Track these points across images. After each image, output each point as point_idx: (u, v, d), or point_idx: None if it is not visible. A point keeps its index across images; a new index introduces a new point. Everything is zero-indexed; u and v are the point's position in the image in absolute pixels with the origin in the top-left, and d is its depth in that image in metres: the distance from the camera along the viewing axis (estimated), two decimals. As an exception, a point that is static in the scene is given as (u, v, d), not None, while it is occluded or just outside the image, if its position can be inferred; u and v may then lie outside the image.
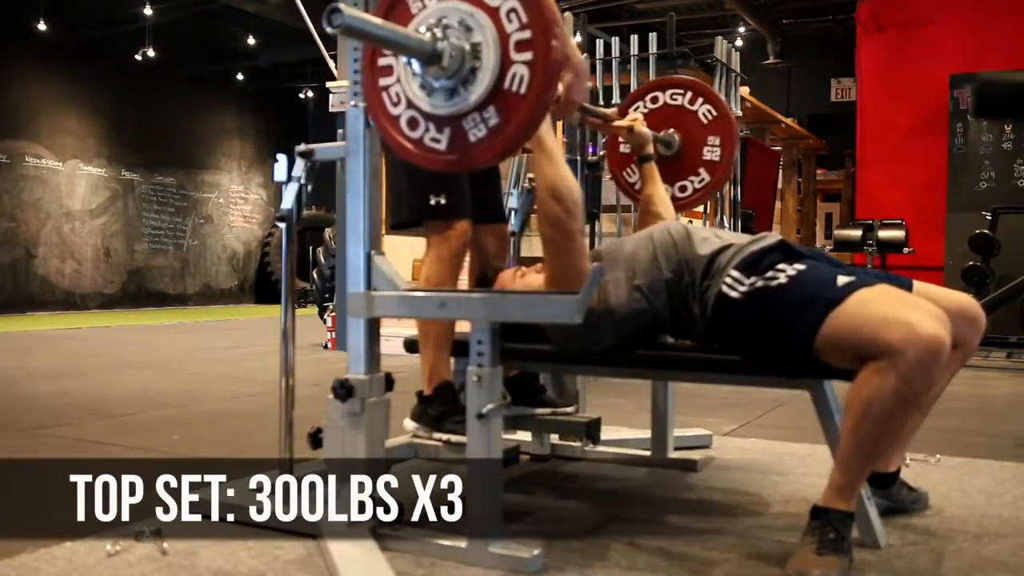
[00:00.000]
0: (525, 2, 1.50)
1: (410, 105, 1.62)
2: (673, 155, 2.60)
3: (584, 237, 1.94)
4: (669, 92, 2.62)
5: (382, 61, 1.67)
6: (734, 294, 1.76)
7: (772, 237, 1.86)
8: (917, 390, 1.55)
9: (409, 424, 2.29)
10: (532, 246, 3.18)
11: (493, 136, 1.53)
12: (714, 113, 2.56)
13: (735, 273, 1.78)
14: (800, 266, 1.73)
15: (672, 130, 2.59)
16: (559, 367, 2.34)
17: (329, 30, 1.41)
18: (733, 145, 2.55)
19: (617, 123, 2.46)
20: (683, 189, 2.59)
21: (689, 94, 2.59)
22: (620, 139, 2.63)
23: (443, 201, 2.23)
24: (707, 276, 1.83)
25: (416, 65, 1.57)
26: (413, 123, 1.63)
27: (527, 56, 1.49)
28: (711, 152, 2.55)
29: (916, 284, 1.86)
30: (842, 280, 1.65)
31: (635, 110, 2.63)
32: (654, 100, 2.63)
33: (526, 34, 1.49)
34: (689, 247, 1.88)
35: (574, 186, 1.84)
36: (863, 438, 1.58)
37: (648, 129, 2.48)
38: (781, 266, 1.74)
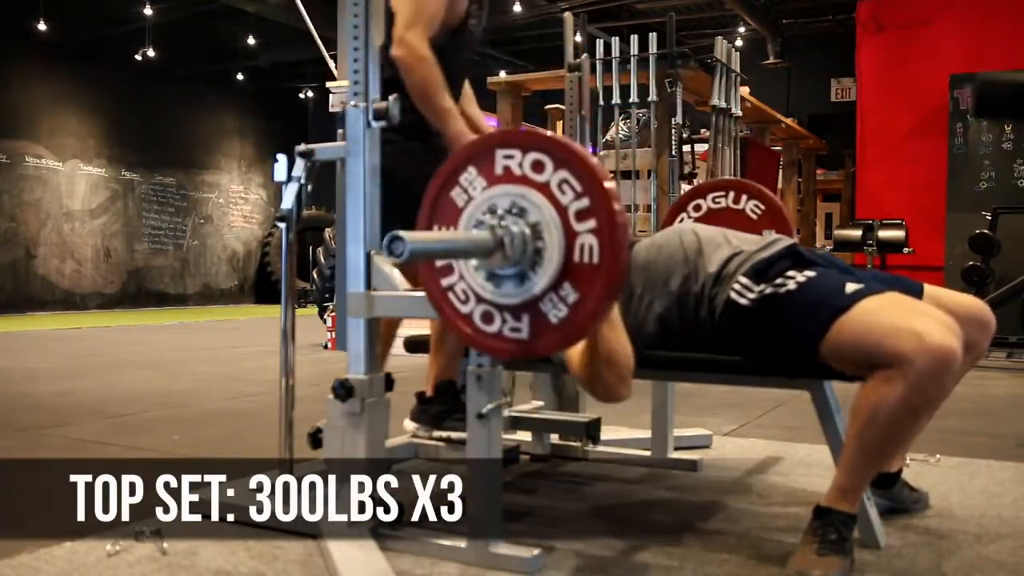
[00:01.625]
0: (576, 171, 1.47)
1: (480, 300, 1.57)
2: None
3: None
4: (710, 197, 2.50)
5: (439, 262, 1.62)
6: (743, 301, 1.74)
7: (783, 242, 1.85)
8: (927, 399, 1.54)
9: (409, 424, 2.29)
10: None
11: (575, 312, 1.48)
12: (762, 207, 2.44)
13: (744, 280, 1.76)
14: (810, 272, 1.72)
15: None
16: (558, 367, 2.34)
17: (394, 261, 1.39)
18: (790, 235, 2.35)
19: None
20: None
21: (732, 193, 2.48)
22: None
23: None
24: (716, 283, 1.82)
25: (476, 260, 1.53)
26: (488, 317, 1.57)
27: (591, 224, 1.45)
28: None
29: (927, 288, 1.85)
30: (851, 287, 1.64)
31: (679, 222, 2.51)
32: (696, 208, 2.51)
33: (584, 203, 1.46)
34: (700, 260, 1.85)
35: (630, 355, 1.73)
36: (869, 443, 1.57)
37: None
38: (791, 273, 1.73)
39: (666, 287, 1.86)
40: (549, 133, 1.54)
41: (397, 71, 2.11)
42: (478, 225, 1.52)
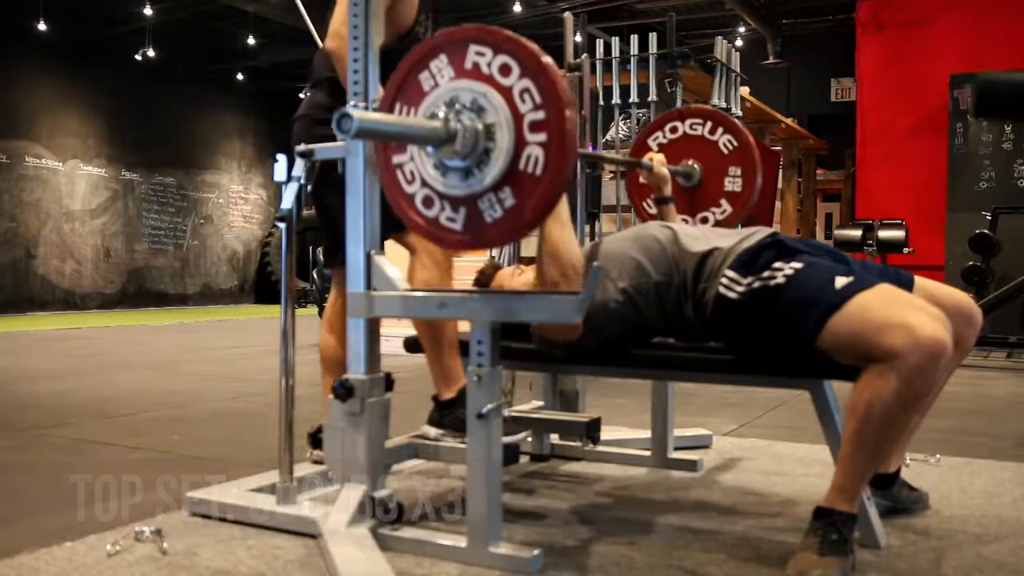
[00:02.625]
0: (539, 82, 1.48)
1: (424, 184, 1.61)
2: (693, 186, 2.55)
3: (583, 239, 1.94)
4: (688, 122, 2.56)
5: None
6: (732, 295, 1.76)
7: (762, 232, 1.86)
8: (918, 392, 1.55)
9: (431, 431, 2.28)
10: (531, 246, 3.18)
11: (509, 217, 1.52)
12: (735, 143, 2.50)
13: (731, 273, 1.77)
14: (797, 264, 1.73)
15: (692, 161, 2.55)
16: (558, 367, 2.34)
17: (341, 136, 1.40)
18: (755, 176, 2.49)
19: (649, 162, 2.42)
20: (704, 220, 2.55)
21: (709, 124, 2.54)
22: (641, 176, 2.60)
23: None
24: (700, 278, 1.83)
25: (429, 147, 1.56)
26: (428, 202, 1.62)
27: (541, 137, 1.48)
28: (732, 183, 2.51)
29: (916, 280, 1.86)
30: (840, 282, 1.65)
31: (653, 140, 2.58)
32: (673, 130, 2.58)
33: (540, 115, 1.48)
34: (678, 249, 1.87)
35: (576, 254, 1.80)
36: (865, 440, 1.58)
37: (667, 170, 2.44)
38: (778, 264, 1.74)
39: (642, 274, 1.88)
40: (524, 40, 1.54)
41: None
42: (434, 116, 1.54)
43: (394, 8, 2.24)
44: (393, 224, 2.25)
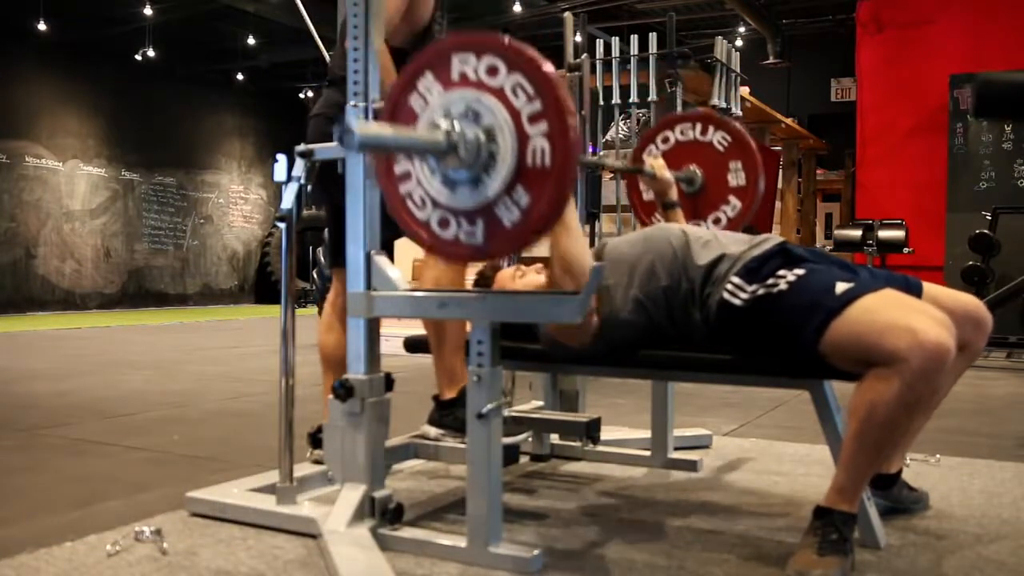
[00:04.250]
0: (528, 74, 1.48)
1: (436, 205, 1.59)
2: (698, 190, 2.55)
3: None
4: (679, 128, 2.56)
5: (398, 169, 1.64)
6: (736, 301, 1.75)
7: (772, 240, 1.86)
8: (921, 396, 1.54)
9: (432, 430, 2.28)
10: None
11: (528, 216, 1.49)
12: (729, 139, 2.50)
13: (736, 280, 1.77)
14: (800, 271, 1.73)
15: (692, 166, 2.55)
16: (558, 367, 2.34)
17: (344, 151, 1.39)
18: (757, 165, 2.48)
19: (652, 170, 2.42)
20: (717, 221, 2.54)
21: (699, 126, 2.53)
22: (642, 186, 2.60)
23: None
24: (707, 283, 1.83)
25: (433, 161, 1.55)
26: (444, 223, 1.59)
27: (543, 127, 1.46)
28: (735, 178, 2.50)
29: (925, 286, 1.86)
30: (841, 287, 1.65)
31: (649, 155, 2.57)
32: (665, 140, 2.57)
33: (536, 105, 1.47)
34: (688, 255, 1.87)
35: (586, 262, 1.78)
36: (866, 442, 1.58)
37: (669, 173, 2.43)
38: (782, 272, 1.74)
39: (653, 279, 1.87)
40: (504, 37, 1.54)
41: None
42: (433, 129, 1.53)
43: (411, 7, 2.24)
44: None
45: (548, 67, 1.48)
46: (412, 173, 1.62)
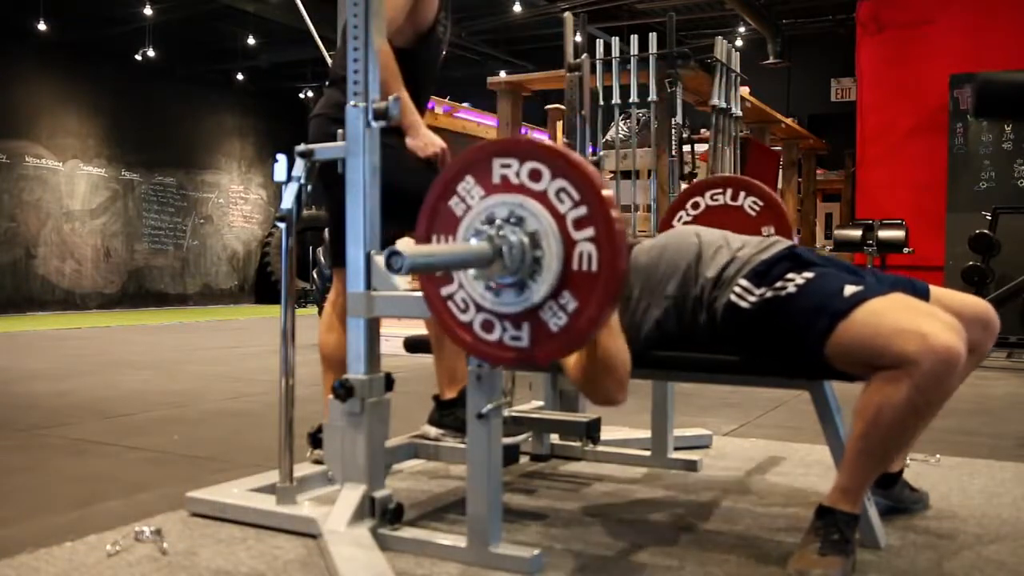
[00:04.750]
0: (573, 179, 1.47)
1: (480, 308, 1.57)
2: None
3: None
4: (708, 194, 2.50)
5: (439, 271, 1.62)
6: (744, 304, 1.75)
7: (781, 244, 1.85)
8: (930, 400, 1.54)
9: (432, 430, 2.28)
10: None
11: (575, 320, 1.48)
12: (760, 204, 2.44)
13: (744, 283, 1.77)
14: (809, 274, 1.72)
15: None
16: (557, 367, 2.34)
17: (394, 277, 1.38)
18: (789, 231, 2.41)
19: None
20: None
21: (729, 190, 2.47)
22: None
23: None
24: (715, 287, 1.82)
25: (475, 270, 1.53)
26: (488, 326, 1.57)
27: (589, 232, 1.45)
28: None
29: (932, 289, 1.85)
30: (849, 290, 1.64)
31: (678, 221, 2.52)
32: (695, 206, 2.51)
33: (582, 211, 1.46)
34: (700, 265, 1.85)
35: (628, 360, 1.75)
36: (872, 444, 1.57)
37: None
38: (790, 275, 1.73)
39: (663, 291, 1.86)
40: (547, 142, 1.53)
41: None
42: (476, 235, 1.51)
43: (415, 8, 2.24)
44: (409, 221, 2.26)
45: (592, 171, 1.48)
46: (454, 276, 1.59)
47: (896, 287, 1.72)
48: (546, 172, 1.50)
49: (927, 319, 1.55)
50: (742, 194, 2.46)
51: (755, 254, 1.82)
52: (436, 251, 1.53)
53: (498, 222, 1.51)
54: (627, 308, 1.87)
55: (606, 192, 1.45)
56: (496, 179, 1.55)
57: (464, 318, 1.59)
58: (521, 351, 1.54)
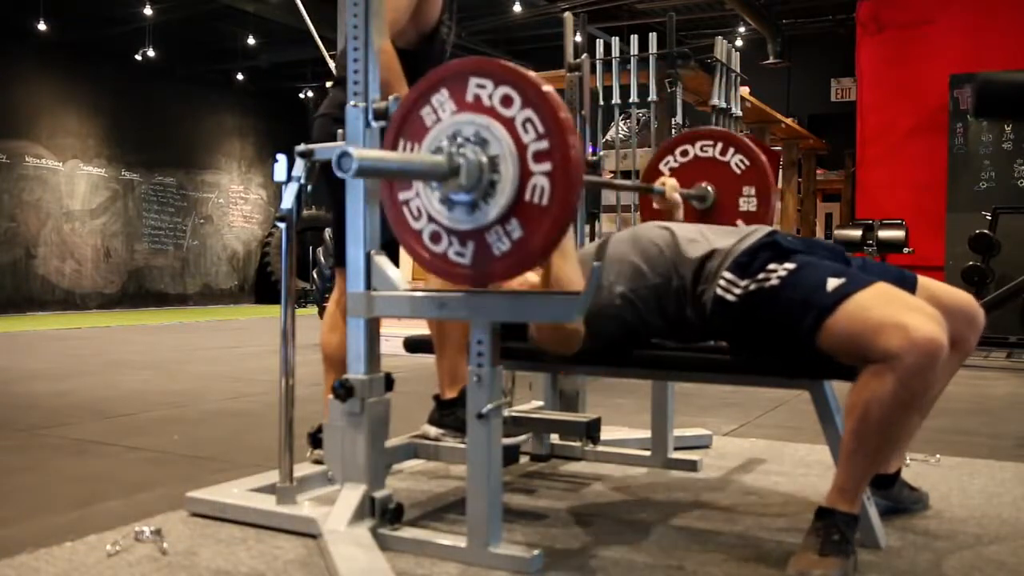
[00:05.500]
0: (541, 111, 1.48)
1: (431, 219, 1.61)
2: (708, 208, 2.54)
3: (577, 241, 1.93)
4: (699, 144, 2.54)
5: None
6: (729, 297, 1.76)
7: (760, 231, 1.86)
8: (915, 393, 1.55)
9: (432, 430, 2.28)
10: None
11: (517, 249, 1.51)
12: (747, 163, 2.49)
13: (729, 276, 1.78)
14: (790, 264, 1.72)
15: (705, 183, 2.54)
16: (558, 367, 2.34)
17: (340, 174, 1.39)
18: (770, 195, 2.47)
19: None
20: None
21: (720, 144, 2.52)
22: (653, 199, 2.60)
23: None
24: (699, 280, 1.83)
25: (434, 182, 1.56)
26: (436, 237, 1.61)
27: (546, 167, 1.47)
28: (747, 203, 2.50)
29: (920, 280, 1.86)
30: (832, 284, 1.64)
31: (664, 165, 2.57)
32: (684, 153, 2.56)
33: (544, 144, 1.47)
34: (676, 252, 1.87)
35: (578, 287, 1.76)
36: (864, 441, 1.58)
37: (679, 195, 2.43)
38: (772, 266, 1.74)
39: (640, 277, 1.87)
40: (524, 70, 1.54)
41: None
42: (438, 151, 1.54)
43: (419, 8, 2.23)
44: None
45: (562, 108, 1.49)
46: (413, 184, 1.63)
47: (882, 277, 1.72)
48: (517, 99, 1.51)
49: (908, 312, 1.55)
50: (731, 150, 2.51)
51: (735, 244, 1.82)
52: (389, 157, 1.55)
53: (461, 139, 1.53)
54: (604, 297, 1.87)
55: (571, 131, 1.47)
56: (470, 97, 1.56)
57: (416, 226, 1.64)
58: (462, 267, 1.59)
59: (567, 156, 1.46)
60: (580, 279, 1.78)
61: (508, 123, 1.51)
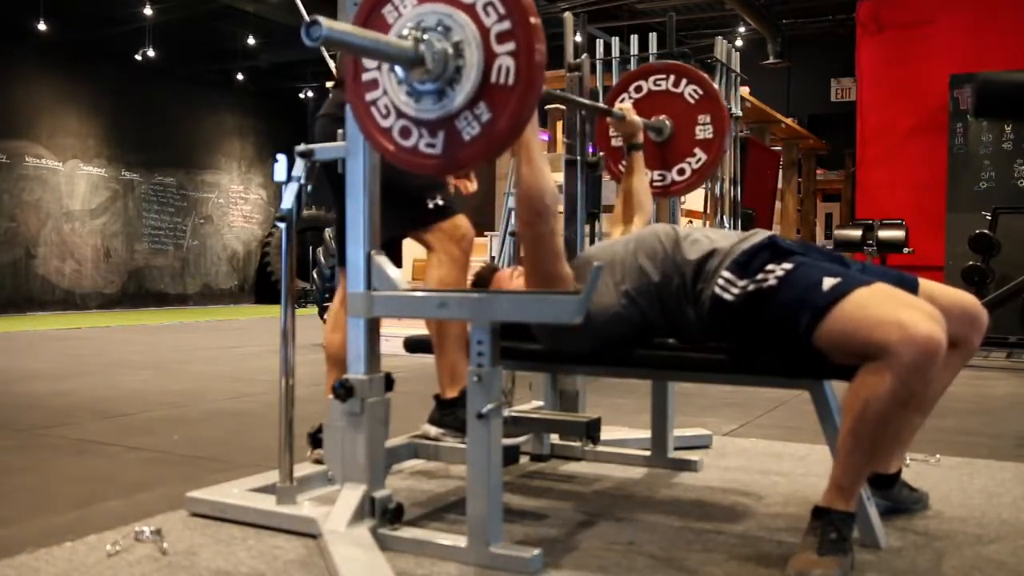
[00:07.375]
0: None
1: (400, 115, 1.62)
2: (665, 140, 2.61)
3: (560, 237, 1.94)
4: (652, 78, 2.62)
5: (366, 76, 1.66)
6: (728, 296, 1.76)
7: (761, 234, 1.86)
8: (913, 391, 1.55)
9: (432, 430, 2.28)
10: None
11: (487, 132, 1.52)
12: (700, 92, 2.57)
13: (727, 275, 1.78)
14: (788, 265, 1.73)
15: (662, 116, 2.61)
16: (558, 367, 2.34)
17: (308, 43, 1.39)
18: (724, 120, 2.56)
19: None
20: (681, 172, 2.61)
21: (672, 77, 2.60)
22: (611, 132, 2.63)
23: (440, 202, 2.24)
24: (699, 279, 1.83)
25: (400, 71, 1.57)
26: (406, 132, 1.62)
27: (510, 47, 1.48)
28: (703, 131, 2.57)
29: (921, 282, 1.86)
30: (828, 283, 1.65)
31: (620, 102, 2.63)
32: (638, 89, 2.64)
33: (506, 25, 1.48)
34: (678, 251, 1.88)
35: (548, 188, 1.81)
36: (861, 439, 1.58)
37: (637, 117, 2.49)
38: (770, 266, 1.74)
39: (643, 276, 1.89)
40: None
41: None
42: (403, 38, 1.55)
43: None
44: (411, 222, 2.26)
45: None
46: (379, 82, 1.64)
47: (883, 279, 1.72)
48: None
49: (906, 310, 1.55)
50: (683, 81, 2.59)
51: (736, 244, 1.83)
52: (359, 32, 1.54)
53: (424, 28, 1.54)
54: (610, 296, 1.88)
55: (531, 11, 1.48)
56: None
57: (385, 123, 1.64)
58: (435, 158, 1.59)
59: (529, 34, 1.47)
60: (547, 179, 1.81)
61: (469, 9, 1.52)
